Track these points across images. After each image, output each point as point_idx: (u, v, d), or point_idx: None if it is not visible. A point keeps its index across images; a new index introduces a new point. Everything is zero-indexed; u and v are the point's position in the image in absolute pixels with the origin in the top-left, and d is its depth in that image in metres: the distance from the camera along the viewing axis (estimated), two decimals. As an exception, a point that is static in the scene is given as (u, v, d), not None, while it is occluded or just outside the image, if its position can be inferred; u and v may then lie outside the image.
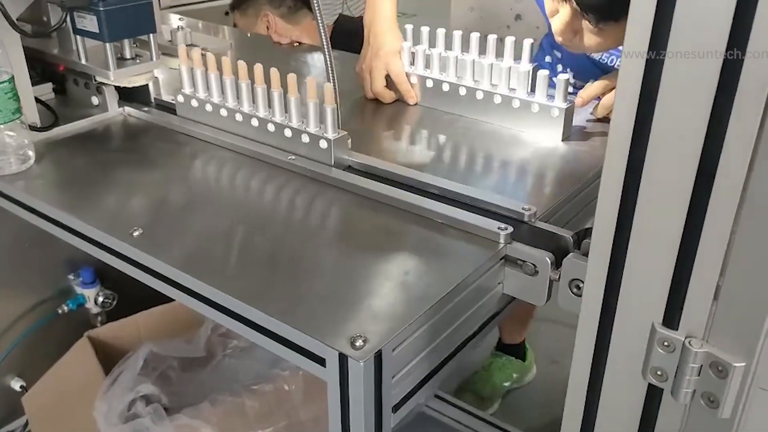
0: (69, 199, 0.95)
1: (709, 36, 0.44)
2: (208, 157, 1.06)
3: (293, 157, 1.00)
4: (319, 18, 0.97)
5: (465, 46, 1.21)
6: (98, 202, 0.94)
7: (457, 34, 1.24)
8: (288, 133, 1.01)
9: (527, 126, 1.12)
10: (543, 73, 1.08)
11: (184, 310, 1.63)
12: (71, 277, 1.59)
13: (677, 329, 0.50)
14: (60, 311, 1.56)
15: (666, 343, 0.50)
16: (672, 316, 0.50)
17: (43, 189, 0.98)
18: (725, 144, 0.45)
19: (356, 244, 0.85)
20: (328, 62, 1.01)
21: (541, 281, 0.80)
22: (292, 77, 0.96)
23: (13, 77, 0.96)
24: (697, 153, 0.47)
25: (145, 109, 1.19)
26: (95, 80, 1.13)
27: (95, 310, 1.61)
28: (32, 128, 1.05)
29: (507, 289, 0.84)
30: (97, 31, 1.02)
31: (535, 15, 2.70)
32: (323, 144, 0.98)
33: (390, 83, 1.25)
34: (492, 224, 0.83)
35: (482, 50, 1.16)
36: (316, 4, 0.96)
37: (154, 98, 1.23)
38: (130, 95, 1.21)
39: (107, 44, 1.03)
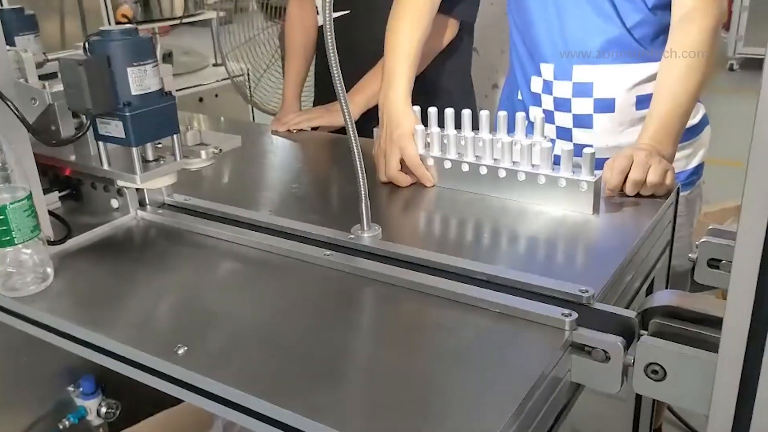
0: (96, 317, 0.89)
1: None
2: (225, 255, 1.03)
3: (329, 253, 0.97)
4: (343, 102, 0.95)
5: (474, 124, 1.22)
6: (130, 318, 0.89)
7: (467, 113, 1.24)
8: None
9: (554, 202, 1.10)
10: (567, 147, 1.08)
11: (191, 413, 1.55)
12: (71, 388, 1.51)
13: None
14: (61, 426, 1.47)
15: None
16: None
17: (66, 308, 0.91)
18: None
19: (412, 343, 0.81)
20: (354, 145, 0.98)
21: (613, 368, 0.77)
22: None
23: (31, 194, 0.91)
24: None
25: (160, 211, 1.15)
26: (117, 184, 1.09)
27: (97, 421, 1.52)
28: (48, 242, 1.00)
29: (576, 377, 0.80)
30: (123, 136, 0.99)
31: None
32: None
33: (405, 166, 1.24)
34: (554, 311, 0.80)
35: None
36: (342, 95, 0.94)
37: (165, 199, 1.19)
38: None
39: (134, 149, 1.00)
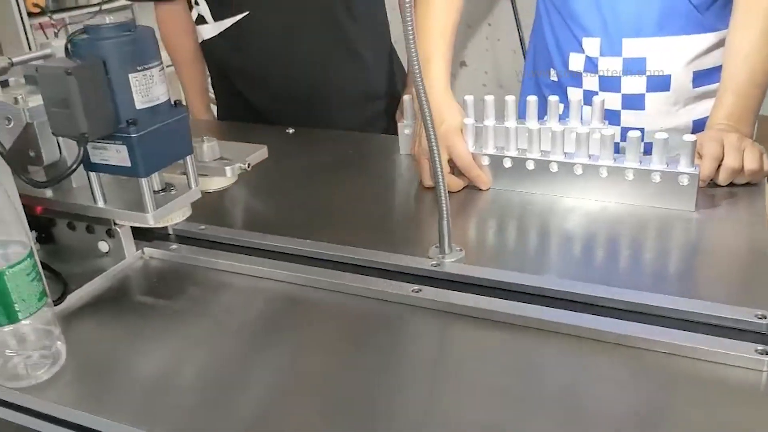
0: (138, 411, 0.67)
1: None
2: (274, 300, 0.83)
3: (418, 288, 0.78)
4: (425, 107, 0.76)
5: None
6: (182, 405, 0.67)
7: (511, 100, 1.07)
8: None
9: (646, 199, 0.95)
10: (661, 136, 0.93)
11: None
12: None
13: None
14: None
15: None
16: None
17: (87, 397, 0.69)
18: None
19: (576, 410, 0.63)
20: (436, 154, 0.80)
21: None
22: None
23: (32, 250, 0.67)
24: None
25: (174, 246, 0.92)
26: (114, 224, 0.85)
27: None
28: (47, 307, 0.76)
29: (772, 427, 0.65)
30: (128, 164, 0.75)
31: (479, 60, 2.60)
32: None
33: (453, 167, 1.06)
34: (744, 347, 0.65)
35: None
36: (423, 97, 0.75)
37: (173, 230, 0.96)
38: (138, 232, 0.93)
39: (143, 180, 0.77)
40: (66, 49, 0.73)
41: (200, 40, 1.52)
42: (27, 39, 2.58)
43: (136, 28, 0.75)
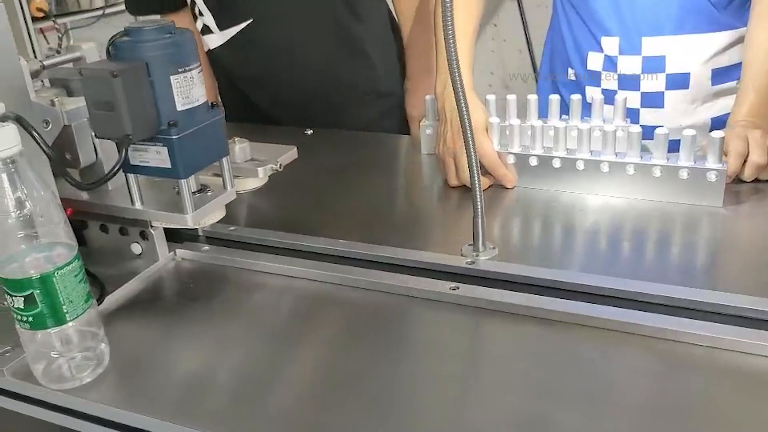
0: (180, 410, 0.68)
1: None
2: (294, 294, 0.84)
3: (455, 285, 0.79)
4: (464, 109, 0.77)
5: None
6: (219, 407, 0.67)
7: (533, 99, 1.09)
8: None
9: (672, 195, 0.96)
10: (689, 133, 0.94)
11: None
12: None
13: None
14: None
15: None
16: None
17: (131, 397, 0.69)
18: None
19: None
20: (472, 152, 0.80)
21: None
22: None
23: (79, 253, 0.68)
24: None
25: (206, 248, 0.92)
26: (152, 226, 0.86)
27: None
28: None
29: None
30: (168, 166, 0.76)
31: (485, 61, 2.62)
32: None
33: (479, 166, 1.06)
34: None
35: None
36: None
37: (203, 232, 0.97)
38: (168, 234, 0.93)
39: (183, 181, 0.77)
40: (107, 51, 0.74)
41: (206, 50, 1.52)
42: (31, 43, 2.58)
43: (176, 30, 0.76)
